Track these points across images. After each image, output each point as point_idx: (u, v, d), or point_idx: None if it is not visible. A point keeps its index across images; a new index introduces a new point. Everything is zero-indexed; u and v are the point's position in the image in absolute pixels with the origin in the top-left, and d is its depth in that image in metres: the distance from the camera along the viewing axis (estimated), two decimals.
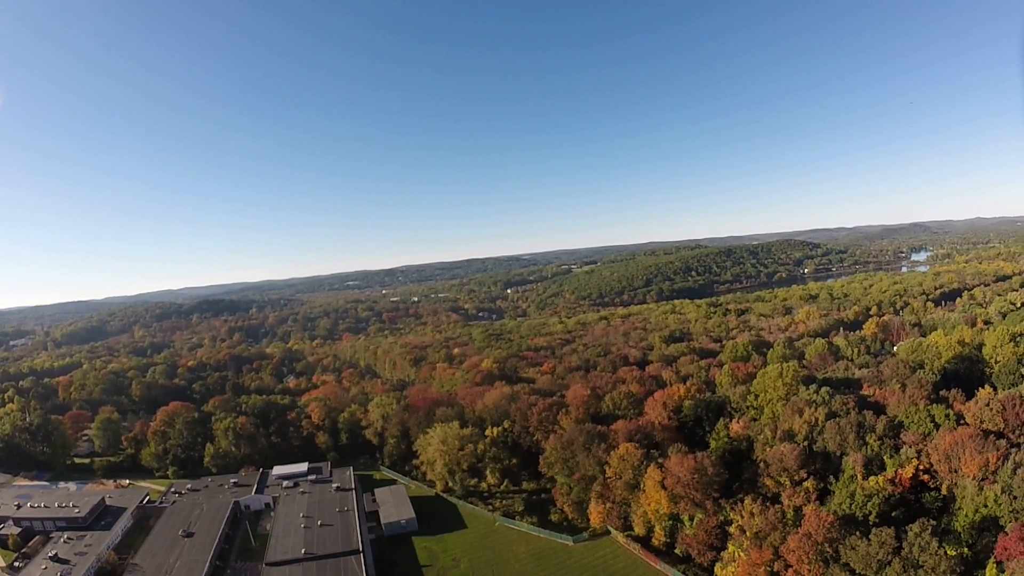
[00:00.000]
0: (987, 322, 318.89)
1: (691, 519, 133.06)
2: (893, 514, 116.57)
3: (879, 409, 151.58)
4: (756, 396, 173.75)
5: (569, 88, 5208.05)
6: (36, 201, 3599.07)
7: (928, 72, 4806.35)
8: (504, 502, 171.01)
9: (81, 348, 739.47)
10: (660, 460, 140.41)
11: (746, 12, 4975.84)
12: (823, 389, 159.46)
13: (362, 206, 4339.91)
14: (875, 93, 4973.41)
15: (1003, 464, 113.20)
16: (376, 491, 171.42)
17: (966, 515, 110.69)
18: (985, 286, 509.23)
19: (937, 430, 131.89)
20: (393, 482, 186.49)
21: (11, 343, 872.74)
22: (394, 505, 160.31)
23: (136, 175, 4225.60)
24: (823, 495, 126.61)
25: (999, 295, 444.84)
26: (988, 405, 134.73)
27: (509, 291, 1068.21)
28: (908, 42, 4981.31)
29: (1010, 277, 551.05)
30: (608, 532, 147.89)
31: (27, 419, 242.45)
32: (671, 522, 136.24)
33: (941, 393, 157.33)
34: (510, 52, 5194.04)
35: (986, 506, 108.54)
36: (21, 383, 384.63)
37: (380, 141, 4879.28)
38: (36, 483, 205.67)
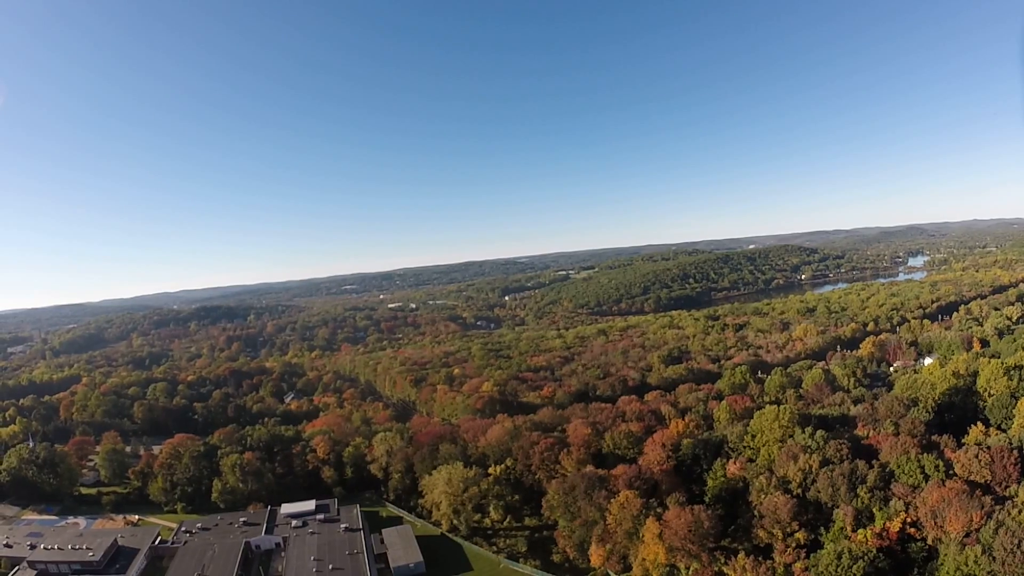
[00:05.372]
0: (984, 342, 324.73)
1: (687, 568, 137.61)
2: (879, 566, 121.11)
3: (872, 454, 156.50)
4: (753, 436, 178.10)
5: (564, 91, 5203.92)
6: (32, 204, 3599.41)
7: (924, 74, 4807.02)
8: (508, 541, 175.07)
9: (80, 357, 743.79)
10: (659, 510, 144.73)
11: (743, 14, 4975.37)
12: (818, 433, 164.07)
13: (359, 208, 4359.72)
14: (871, 96, 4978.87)
15: (986, 522, 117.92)
16: (384, 532, 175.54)
17: (948, 572, 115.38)
18: (982, 298, 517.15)
19: (927, 481, 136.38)
20: (399, 520, 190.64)
21: (8, 351, 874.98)
22: (402, 547, 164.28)
23: (133, 178, 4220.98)
24: (814, 546, 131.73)
25: (996, 309, 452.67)
26: (977, 457, 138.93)
27: (507, 298, 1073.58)
28: (904, 44, 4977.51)
29: (1007, 288, 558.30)
30: None
31: (32, 447, 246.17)
32: (668, 568, 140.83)
33: (933, 438, 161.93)
34: (506, 53, 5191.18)
35: (967, 565, 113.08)
36: (22, 401, 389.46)
37: (377, 144, 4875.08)
38: (45, 517, 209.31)
